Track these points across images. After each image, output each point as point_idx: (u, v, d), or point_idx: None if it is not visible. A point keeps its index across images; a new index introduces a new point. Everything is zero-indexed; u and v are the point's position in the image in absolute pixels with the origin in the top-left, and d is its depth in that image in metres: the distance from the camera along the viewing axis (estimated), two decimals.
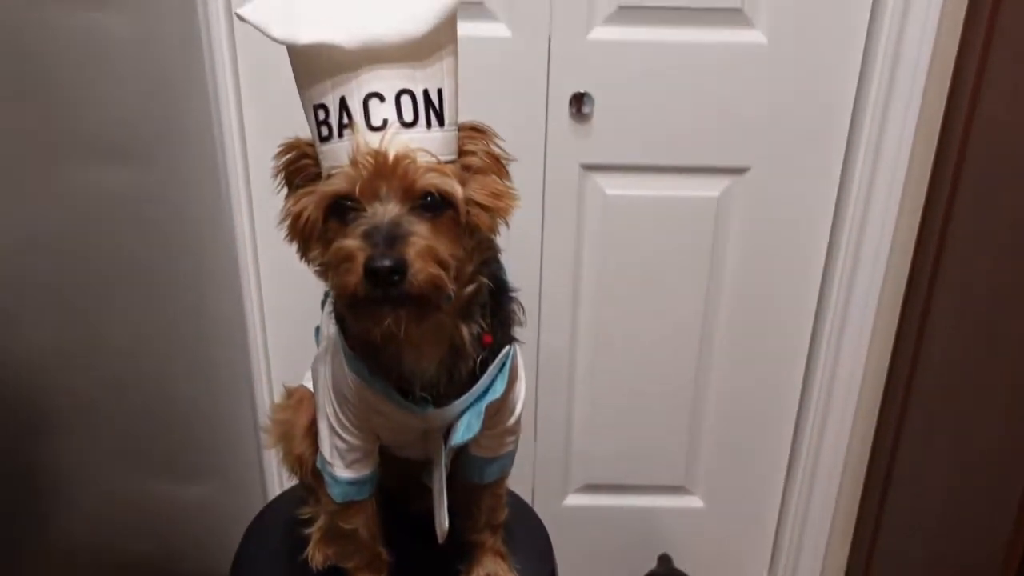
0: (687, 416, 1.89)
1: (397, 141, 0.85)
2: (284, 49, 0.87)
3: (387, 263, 0.81)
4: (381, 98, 0.85)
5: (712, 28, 1.55)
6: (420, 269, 0.83)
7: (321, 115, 0.87)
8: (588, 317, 1.79)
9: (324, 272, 0.90)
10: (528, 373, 1.62)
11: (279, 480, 1.84)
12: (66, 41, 1.13)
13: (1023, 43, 1.38)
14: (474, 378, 1.02)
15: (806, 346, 1.83)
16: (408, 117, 0.86)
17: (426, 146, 0.86)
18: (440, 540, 1.12)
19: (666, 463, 1.95)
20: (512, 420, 1.13)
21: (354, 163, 0.84)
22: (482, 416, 1.03)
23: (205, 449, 1.61)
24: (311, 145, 0.91)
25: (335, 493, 1.09)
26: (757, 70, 1.58)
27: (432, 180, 0.85)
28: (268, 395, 1.80)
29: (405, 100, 0.86)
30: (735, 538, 2.04)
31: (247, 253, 1.68)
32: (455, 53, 0.89)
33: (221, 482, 1.69)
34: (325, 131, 0.88)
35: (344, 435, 1.06)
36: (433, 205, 0.86)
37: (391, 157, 0.84)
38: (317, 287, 1.00)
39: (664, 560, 1.95)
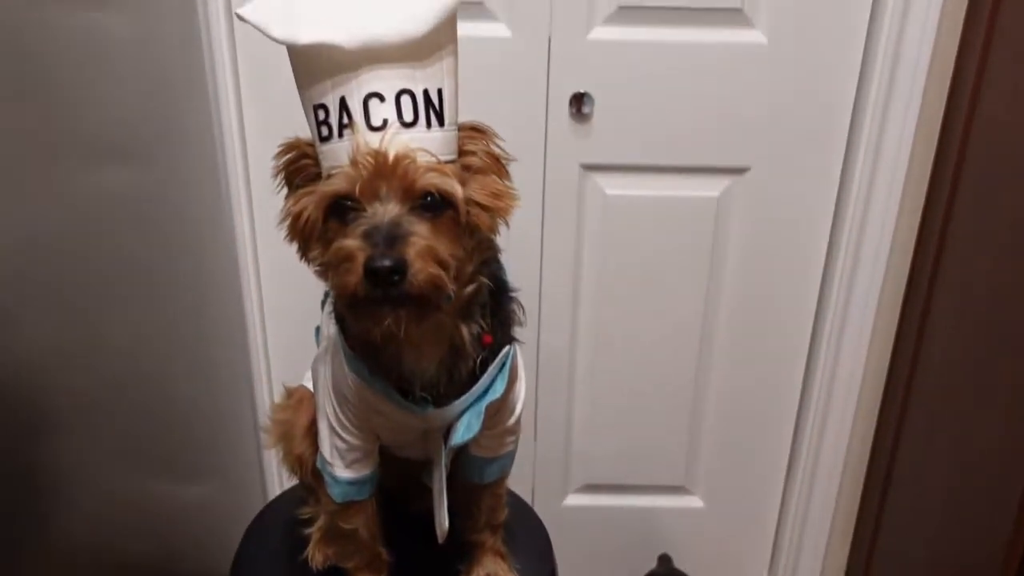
0: (687, 416, 1.89)
1: (397, 141, 0.85)
2: (284, 49, 0.87)
3: (387, 263, 0.81)
4: (381, 98, 0.85)
5: (712, 28, 1.55)
6: (420, 269, 0.83)
7: (321, 115, 0.87)
8: (588, 317, 1.80)
9: (324, 272, 0.90)
10: (528, 373, 1.62)
11: (279, 480, 1.84)
12: (66, 41, 1.13)
13: (1023, 43, 1.38)
14: (474, 378, 1.02)
15: (806, 346, 1.83)
16: (408, 117, 0.86)
17: (426, 146, 0.86)
18: (440, 540, 1.12)
19: (666, 463, 1.95)
20: (512, 420, 1.13)
21: (354, 163, 0.84)
22: (482, 416, 1.03)
23: (205, 449, 1.61)
24: (311, 145, 0.91)
25: (335, 493, 1.09)
26: (757, 70, 1.58)
27: (432, 180, 0.85)
28: (268, 395, 1.80)
29: (405, 100, 0.86)
30: (735, 538, 2.04)
31: (247, 253, 1.68)
32: (455, 53, 0.89)
33: (221, 482, 1.69)
34: (325, 131, 0.88)
35: (344, 435, 1.06)
36: (433, 205, 0.86)
37: (391, 157, 0.84)
38: (317, 287, 1.00)
39: (664, 560, 1.95)
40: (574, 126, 1.62)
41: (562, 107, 1.60)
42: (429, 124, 0.87)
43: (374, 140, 0.84)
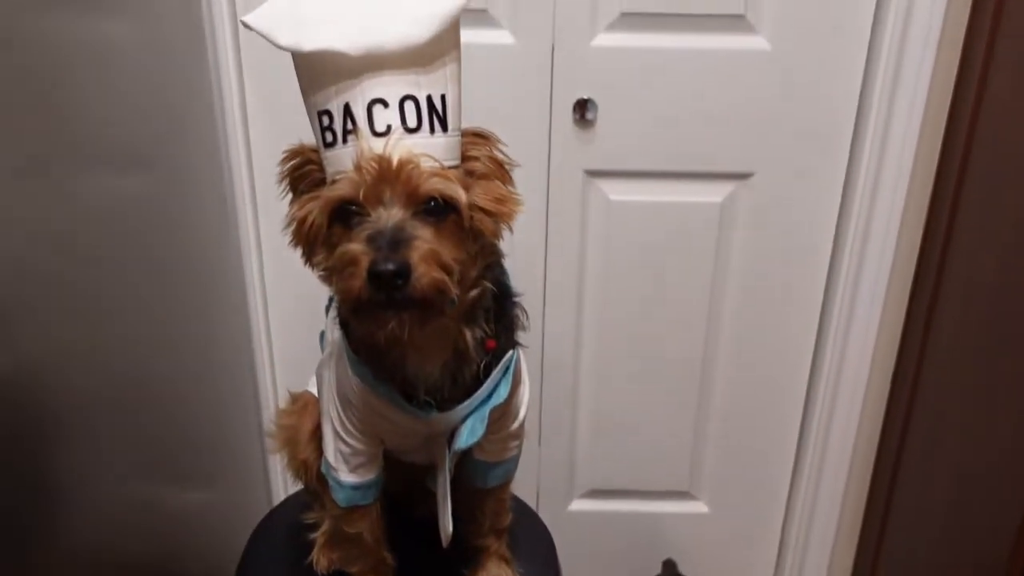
0: (692, 422, 1.89)
1: (401, 146, 0.85)
2: (288, 56, 0.88)
3: (391, 267, 0.81)
4: (385, 104, 0.86)
5: (715, 34, 1.55)
6: (424, 273, 0.83)
7: (325, 121, 0.88)
8: (592, 323, 1.80)
9: (328, 277, 0.91)
10: (532, 379, 1.62)
11: (284, 485, 1.84)
12: (73, 48, 1.14)
13: None
14: (478, 382, 1.02)
15: (811, 351, 1.83)
16: (412, 123, 0.87)
17: (429, 151, 0.86)
18: (444, 544, 1.12)
19: (671, 469, 1.95)
20: (516, 425, 1.13)
21: (358, 168, 0.85)
22: (486, 420, 1.03)
23: (210, 454, 1.62)
24: (315, 151, 0.92)
25: (339, 498, 1.10)
26: (760, 76, 1.58)
27: (435, 185, 0.86)
28: (273, 400, 1.80)
29: (409, 106, 0.87)
30: (740, 543, 2.03)
31: (252, 258, 1.68)
32: (458, 59, 0.90)
33: (226, 486, 1.70)
34: (329, 137, 0.88)
35: (348, 439, 1.06)
36: (437, 210, 0.87)
37: (395, 162, 0.84)
38: (322, 292, 1.01)
39: (669, 565, 1.95)
40: (577, 132, 1.62)
41: (565, 113, 1.61)
42: (432, 130, 0.88)
43: (378, 145, 0.85)
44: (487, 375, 1.02)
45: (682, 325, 1.79)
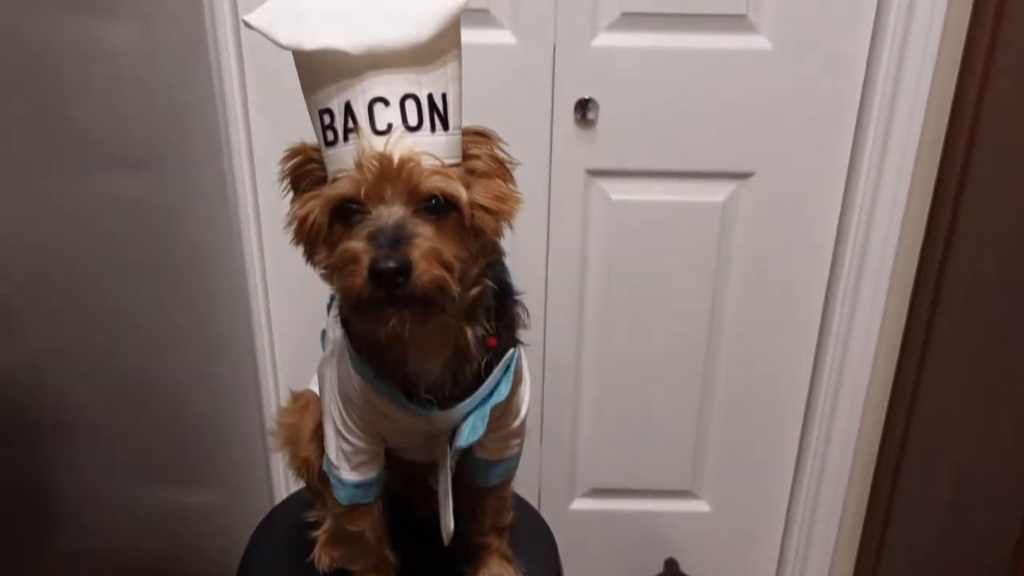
0: (693, 420, 1.89)
1: (402, 144, 0.85)
2: (290, 55, 0.88)
3: (391, 264, 0.81)
4: (386, 102, 0.86)
5: (716, 34, 1.56)
6: (424, 270, 0.83)
7: (326, 120, 0.88)
8: (594, 322, 1.80)
9: (329, 275, 0.91)
10: (534, 378, 1.62)
11: (286, 484, 1.85)
12: (74, 50, 1.14)
13: None
14: (479, 380, 1.02)
15: (812, 351, 1.83)
16: (412, 121, 0.87)
17: (430, 150, 0.87)
18: (446, 542, 1.12)
19: (672, 467, 1.95)
20: (517, 423, 1.13)
21: (359, 166, 0.85)
22: (487, 418, 1.03)
23: (212, 452, 1.62)
24: (317, 150, 0.92)
25: (341, 496, 1.10)
26: (761, 75, 1.58)
27: (436, 183, 0.86)
28: (275, 399, 1.80)
29: (410, 104, 0.87)
30: (742, 542, 2.04)
31: (254, 258, 1.69)
32: (459, 58, 0.90)
33: (228, 485, 1.70)
34: (330, 135, 0.88)
35: (350, 438, 1.07)
36: (437, 208, 0.87)
37: (396, 160, 0.84)
38: (323, 291, 1.01)
39: (670, 564, 1.95)
40: (579, 132, 1.63)
41: (567, 113, 1.61)
42: (433, 128, 0.88)
43: (379, 144, 0.85)
44: (488, 373, 1.02)
45: (684, 324, 1.79)
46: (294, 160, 0.94)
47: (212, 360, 1.61)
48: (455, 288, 0.87)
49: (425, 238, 0.85)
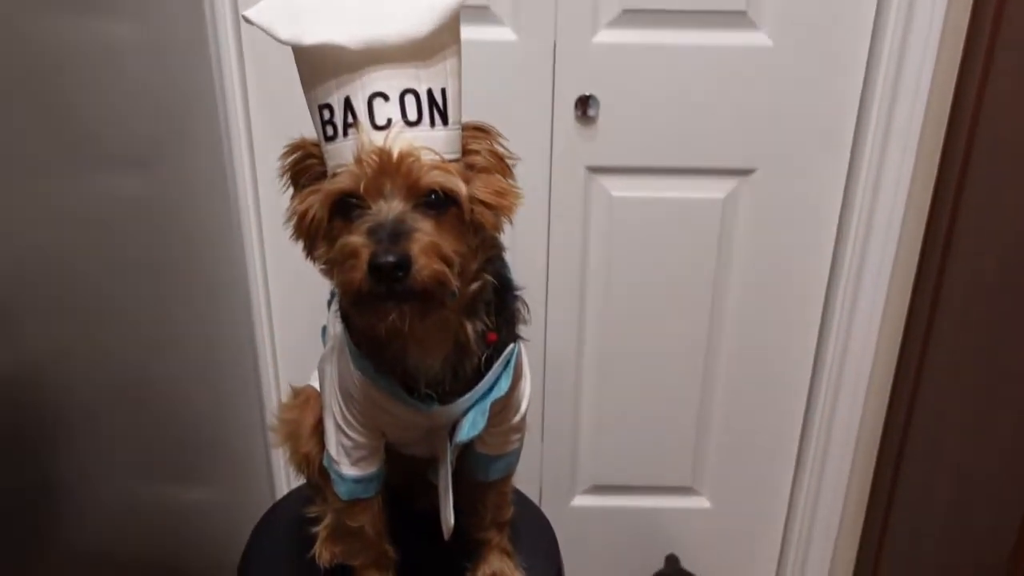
0: (694, 417, 1.90)
1: (401, 139, 0.85)
2: (290, 51, 0.89)
3: (391, 259, 0.82)
4: (385, 97, 0.86)
5: (716, 30, 1.56)
6: (424, 265, 0.83)
7: (326, 115, 0.88)
8: (594, 319, 1.80)
9: (329, 270, 0.91)
10: (535, 374, 1.62)
11: (287, 479, 1.85)
12: (75, 48, 1.14)
13: None
14: (479, 375, 1.02)
15: (813, 347, 1.83)
16: (412, 116, 0.87)
17: (430, 144, 0.87)
18: (446, 537, 1.12)
19: (673, 464, 1.95)
20: (517, 418, 1.13)
21: (359, 161, 0.85)
22: (487, 413, 1.04)
23: (213, 448, 1.62)
24: (316, 145, 0.92)
25: (341, 491, 1.10)
26: (762, 72, 1.58)
27: (436, 178, 0.86)
28: (275, 395, 1.81)
29: (409, 99, 0.87)
30: (742, 539, 2.04)
31: (254, 254, 1.69)
32: (458, 54, 0.90)
33: (229, 481, 1.70)
34: (330, 131, 0.89)
35: (350, 433, 1.07)
36: (437, 203, 0.87)
37: (395, 155, 0.84)
38: (323, 287, 1.01)
39: (671, 561, 1.96)
40: (579, 129, 1.63)
41: (567, 110, 1.61)
42: (433, 123, 0.88)
43: (378, 139, 0.85)
44: (488, 368, 1.02)
45: (684, 321, 1.80)
46: (294, 155, 0.94)
47: (212, 356, 1.61)
48: (455, 283, 0.87)
49: (425, 233, 0.85)
